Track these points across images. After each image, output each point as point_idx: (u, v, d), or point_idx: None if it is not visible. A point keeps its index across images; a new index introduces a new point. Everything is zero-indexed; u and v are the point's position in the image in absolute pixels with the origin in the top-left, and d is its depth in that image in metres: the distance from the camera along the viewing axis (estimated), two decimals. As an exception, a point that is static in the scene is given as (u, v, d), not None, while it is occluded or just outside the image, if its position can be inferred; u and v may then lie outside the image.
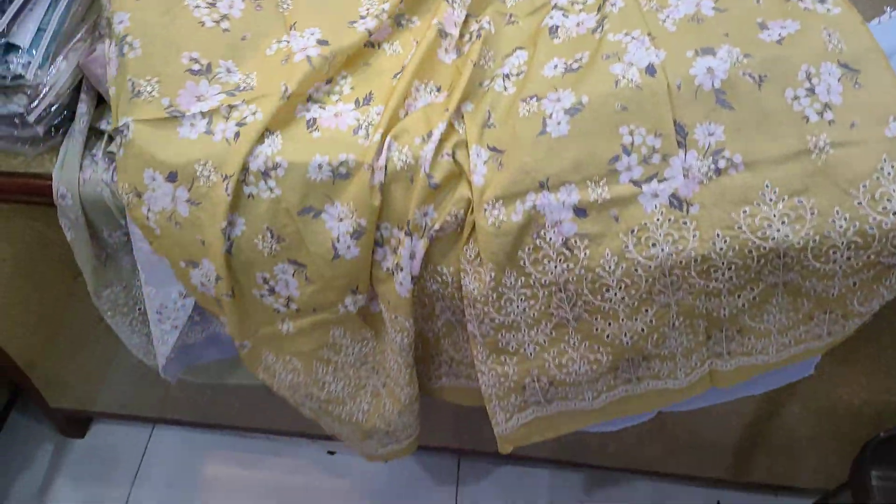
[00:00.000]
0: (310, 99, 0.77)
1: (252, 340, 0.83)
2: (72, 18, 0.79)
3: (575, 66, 0.75)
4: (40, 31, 0.76)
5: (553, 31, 0.79)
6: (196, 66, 0.77)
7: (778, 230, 0.67)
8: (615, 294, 0.71)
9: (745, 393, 0.91)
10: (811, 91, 0.69)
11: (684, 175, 0.69)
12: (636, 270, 0.70)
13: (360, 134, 0.74)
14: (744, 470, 1.22)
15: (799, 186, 0.67)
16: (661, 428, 1.12)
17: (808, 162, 0.67)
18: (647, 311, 0.72)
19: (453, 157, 0.73)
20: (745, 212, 0.68)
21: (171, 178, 0.74)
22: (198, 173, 0.73)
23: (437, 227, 0.72)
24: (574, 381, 0.78)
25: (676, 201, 0.69)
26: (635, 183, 0.69)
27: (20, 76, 0.74)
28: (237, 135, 0.73)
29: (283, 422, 1.26)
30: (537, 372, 0.78)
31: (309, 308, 0.80)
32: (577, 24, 0.79)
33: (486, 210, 0.71)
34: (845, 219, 0.66)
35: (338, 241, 0.74)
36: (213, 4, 0.81)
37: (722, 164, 0.69)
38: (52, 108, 0.78)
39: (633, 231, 0.69)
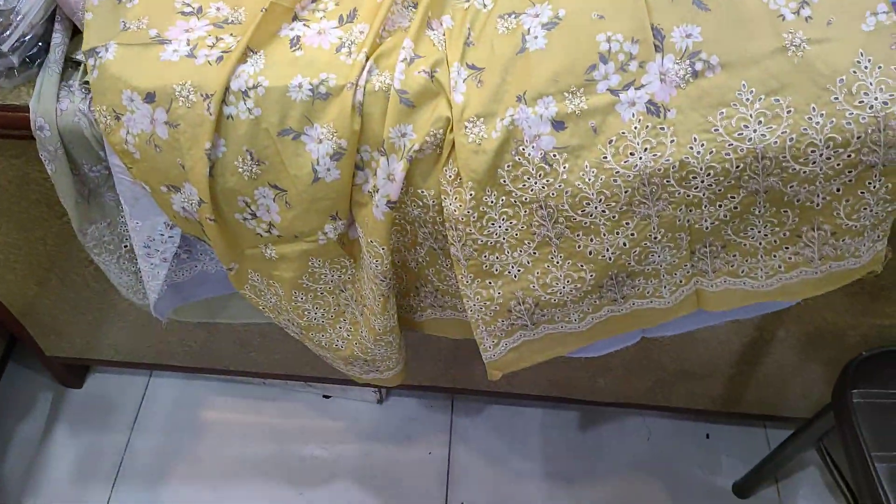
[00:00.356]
0: (295, 18, 0.77)
1: (239, 261, 0.84)
2: (42, -54, 0.78)
3: None
4: (10, -43, 0.75)
5: None
6: (188, 9, 0.78)
7: (755, 131, 0.67)
8: (595, 207, 0.71)
9: (733, 316, 0.91)
10: None
11: (661, 80, 0.68)
12: (615, 181, 0.70)
13: (343, 52, 0.73)
14: (732, 401, 1.23)
15: (775, 85, 0.67)
16: (647, 358, 1.13)
17: (784, 60, 0.67)
18: (628, 223, 0.72)
19: (431, 76, 0.72)
20: (721, 114, 0.68)
21: (149, 98, 0.73)
22: (176, 93, 0.73)
23: (416, 147, 0.72)
24: (559, 302, 0.79)
25: (653, 107, 0.69)
26: (613, 91, 0.69)
27: (-9, 3, 0.74)
28: (220, 59, 0.73)
29: (279, 365, 1.28)
30: (522, 294, 0.79)
31: (290, 234, 0.80)
32: None
33: (466, 128, 0.71)
34: (822, 115, 0.66)
35: (318, 163, 0.73)
36: None
37: (699, 66, 0.68)
38: (27, 38, 0.77)
39: (611, 141, 0.69)
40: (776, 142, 0.67)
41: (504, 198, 0.73)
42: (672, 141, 0.69)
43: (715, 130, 0.68)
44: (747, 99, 0.68)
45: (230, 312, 1.07)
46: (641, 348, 1.10)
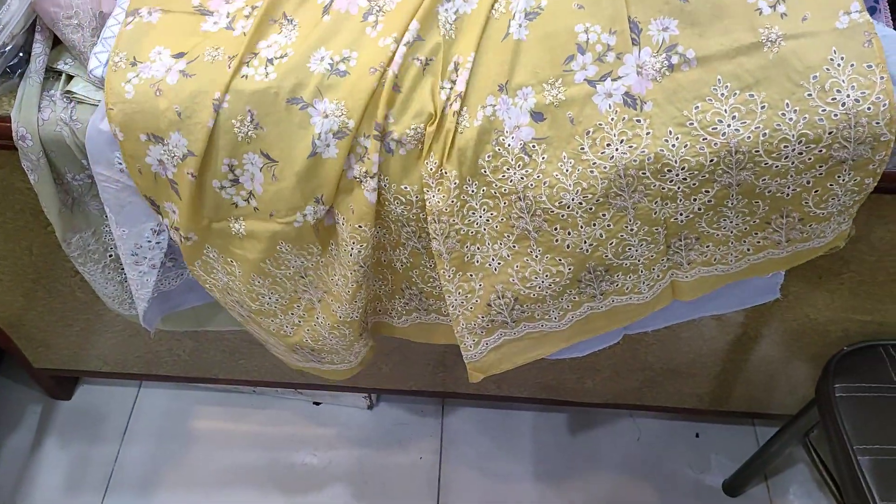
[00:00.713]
0: None
1: (199, 233, 0.82)
2: (22, -43, 0.79)
3: None
4: (-11, -31, 0.76)
5: None
6: None
7: (728, 125, 0.68)
8: (572, 199, 0.72)
9: (711, 311, 0.92)
10: None
11: (637, 72, 0.69)
12: (592, 172, 0.71)
13: (370, 20, 0.74)
14: (720, 399, 1.24)
15: (750, 80, 0.68)
16: (634, 358, 1.14)
17: (759, 55, 0.68)
18: (604, 215, 0.73)
19: (425, 66, 0.72)
20: (696, 108, 0.69)
21: (179, 55, 0.75)
22: (206, 52, 0.74)
23: (395, 136, 0.72)
24: (538, 297, 0.79)
25: (630, 100, 0.70)
26: (590, 82, 0.70)
27: (-29, 15, 0.74)
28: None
29: (268, 373, 1.28)
30: (502, 287, 0.79)
31: (267, 210, 0.78)
32: None
33: (451, 113, 0.71)
34: (795, 111, 0.67)
35: (319, 137, 0.72)
36: None
37: (675, 59, 0.69)
38: (7, 49, 0.77)
39: (588, 132, 0.70)
40: (749, 137, 0.68)
41: (485, 188, 0.74)
42: (648, 133, 0.70)
43: (690, 124, 0.69)
44: (722, 94, 0.69)
45: (218, 320, 1.07)
46: (628, 348, 1.11)
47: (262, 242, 0.81)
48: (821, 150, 0.68)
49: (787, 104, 0.67)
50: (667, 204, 0.73)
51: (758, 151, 0.69)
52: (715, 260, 0.79)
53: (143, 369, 1.31)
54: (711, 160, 0.69)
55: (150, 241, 0.87)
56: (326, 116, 0.72)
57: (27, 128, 0.78)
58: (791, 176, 0.71)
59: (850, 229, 0.78)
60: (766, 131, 0.68)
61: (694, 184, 0.71)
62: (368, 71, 0.72)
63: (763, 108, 0.68)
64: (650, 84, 0.70)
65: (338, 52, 0.73)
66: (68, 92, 0.79)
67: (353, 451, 1.35)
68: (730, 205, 0.74)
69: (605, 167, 0.70)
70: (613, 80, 0.70)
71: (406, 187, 0.75)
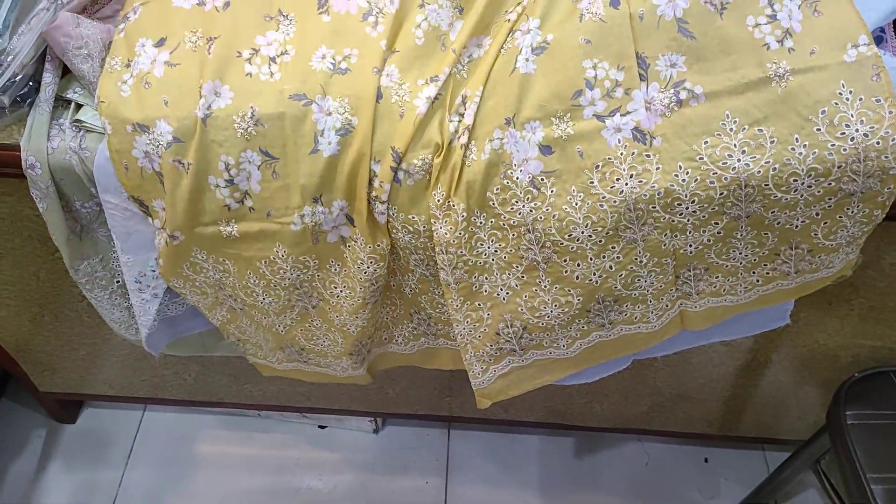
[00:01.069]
0: None
1: (187, 234, 0.79)
2: (33, -12, 0.79)
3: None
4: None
5: None
6: None
7: (738, 160, 0.68)
8: (582, 232, 0.72)
9: (720, 337, 0.91)
10: (772, 18, 0.70)
11: (646, 108, 0.70)
12: (601, 206, 0.70)
13: (370, 20, 0.74)
14: (729, 424, 1.23)
15: (759, 115, 0.68)
16: (643, 383, 1.13)
17: (768, 90, 0.68)
18: (613, 247, 0.73)
19: (433, 98, 0.72)
20: (706, 143, 0.69)
21: (160, 43, 0.76)
22: (186, 38, 0.75)
23: (403, 166, 0.72)
24: (547, 326, 0.79)
25: (639, 135, 0.70)
26: (598, 117, 0.70)
27: (-18, 46, 0.75)
28: (227, 4, 0.76)
29: (274, 397, 1.27)
30: (511, 317, 0.79)
31: (264, 210, 0.76)
32: None
33: (458, 146, 0.72)
34: (805, 146, 0.67)
35: (321, 134, 0.72)
36: None
37: (683, 95, 0.69)
38: (17, 78, 0.78)
39: (597, 166, 0.70)
40: (759, 171, 0.68)
41: (493, 220, 0.74)
42: (658, 168, 0.69)
43: (700, 159, 0.69)
44: (731, 129, 0.69)
45: (224, 346, 1.07)
46: (637, 373, 1.10)
47: (258, 241, 0.79)
48: (830, 184, 0.68)
49: (797, 139, 0.67)
50: (676, 236, 0.73)
51: (767, 185, 0.69)
52: (724, 290, 0.79)
53: (149, 393, 1.31)
54: (721, 193, 0.69)
55: (154, 271, 0.87)
56: (329, 114, 0.72)
57: (36, 156, 0.78)
58: (800, 208, 0.70)
59: (857, 258, 0.78)
60: (776, 165, 0.68)
61: (703, 216, 0.71)
62: (373, 70, 0.72)
63: (772, 142, 0.68)
64: (659, 119, 0.70)
65: (339, 52, 0.73)
66: (77, 120, 0.79)
67: (358, 476, 1.34)
68: (739, 236, 0.74)
69: (614, 201, 0.70)
70: (622, 115, 0.70)
71: (414, 217, 0.75)
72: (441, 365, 0.95)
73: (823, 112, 0.67)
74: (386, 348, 0.94)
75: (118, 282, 0.94)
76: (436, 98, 0.73)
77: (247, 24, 0.76)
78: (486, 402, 0.88)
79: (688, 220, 0.72)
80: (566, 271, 0.75)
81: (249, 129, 0.73)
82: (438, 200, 0.73)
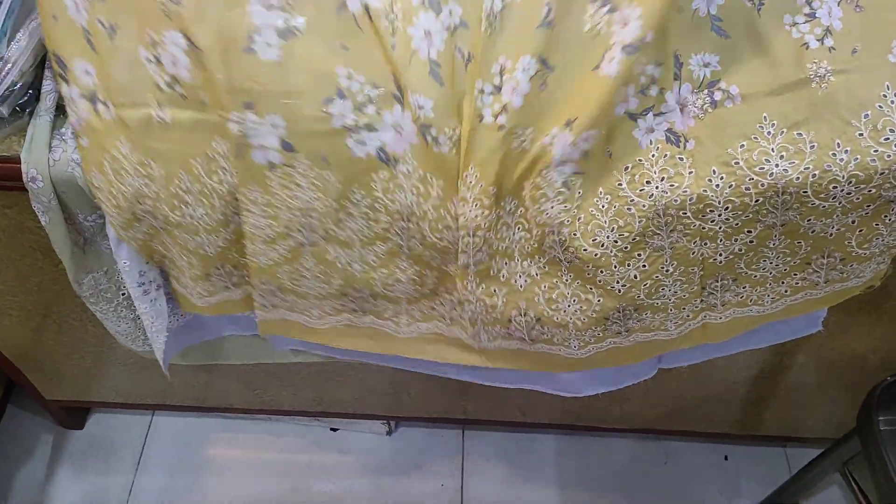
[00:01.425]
0: None
1: (117, 107, 0.69)
2: (29, -8, 0.76)
3: None
4: (-4, 6, 0.73)
5: None
6: None
7: (777, 165, 0.65)
8: (607, 237, 0.68)
9: (752, 346, 0.89)
10: (811, 16, 0.66)
11: (680, 109, 0.66)
12: (629, 209, 0.67)
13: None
14: (751, 423, 1.20)
15: (798, 118, 0.64)
16: (665, 387, 1.10)
17: (808, 92, 0.65)
18: (639, 254, 0.70)
19: (466, 63, 0.65)
20: (742, 146, 0.65)
21: None
22: None
23: (434, 132, 0.65)
24: (561, 322, 0.75)
25: (673, 136, 0.66)
26: (630, 115, 0.66)
27: (-22, 54, 0.71)
28: None
29: (284, 402, 1.25)
30: (525, 305, 0.75)
31: (197, 100, 0.67)
32: None
33: (496, 126, 0.65)
34: (846, 152, 0.64)
35: (258, 32, 0.62)
36: None
37: (718, 96, 0.66)
38: (17, 87, 0.74)
39: (627, 168, 0.67)
40: (798, 178, 0.65)
41: (522, 209, 0.70)
42: (690, 172, 0.66)
43: (735, 163, 0.65)
44: (769, 132, 0.65)
45: (229, 354, 1.04)
46: (659, 377, 1.07)
47: (193, 133, 0.68)
48: (870, 190, 0.65)
49: (838, 144, 0.64)
50: (706, 244, 0.70)
51: (806, 192, 0.65)
52: (751, 301, 0.76)
53: (157, 399, 1.28)
54: (756, 200, 0.66)
55: (149, 262, 0.83)
56: (269, 8, 0.62)
57: (38, 169, 0.75)
58: (837, 216, 0.67)
59: (887, 268, 0.75)
60: (816, 172, 0.64)
61: (736, 224, 0.68)
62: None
63: (812, 147, 0.64)
64: (692, 121, 0.66)
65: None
66: (79, 130, 0.75)
67: (372, 479, 1.32)
68: (771, 245, 0.71)
69: (643, 205, 0.67)
70: (656, 115, 0.66)
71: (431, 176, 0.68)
72: (357, 346, 0.87)
73: (867, 116, 0.63)
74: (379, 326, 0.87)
75: (123, 294, 0.91)
76: (468, 61, 0.64)
77: None
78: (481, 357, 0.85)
79: (719, 228, 0.69)
80: (588, 274, 0.71)
81: (170, 5, 0.63)
82: (471, 182, 0.67)
